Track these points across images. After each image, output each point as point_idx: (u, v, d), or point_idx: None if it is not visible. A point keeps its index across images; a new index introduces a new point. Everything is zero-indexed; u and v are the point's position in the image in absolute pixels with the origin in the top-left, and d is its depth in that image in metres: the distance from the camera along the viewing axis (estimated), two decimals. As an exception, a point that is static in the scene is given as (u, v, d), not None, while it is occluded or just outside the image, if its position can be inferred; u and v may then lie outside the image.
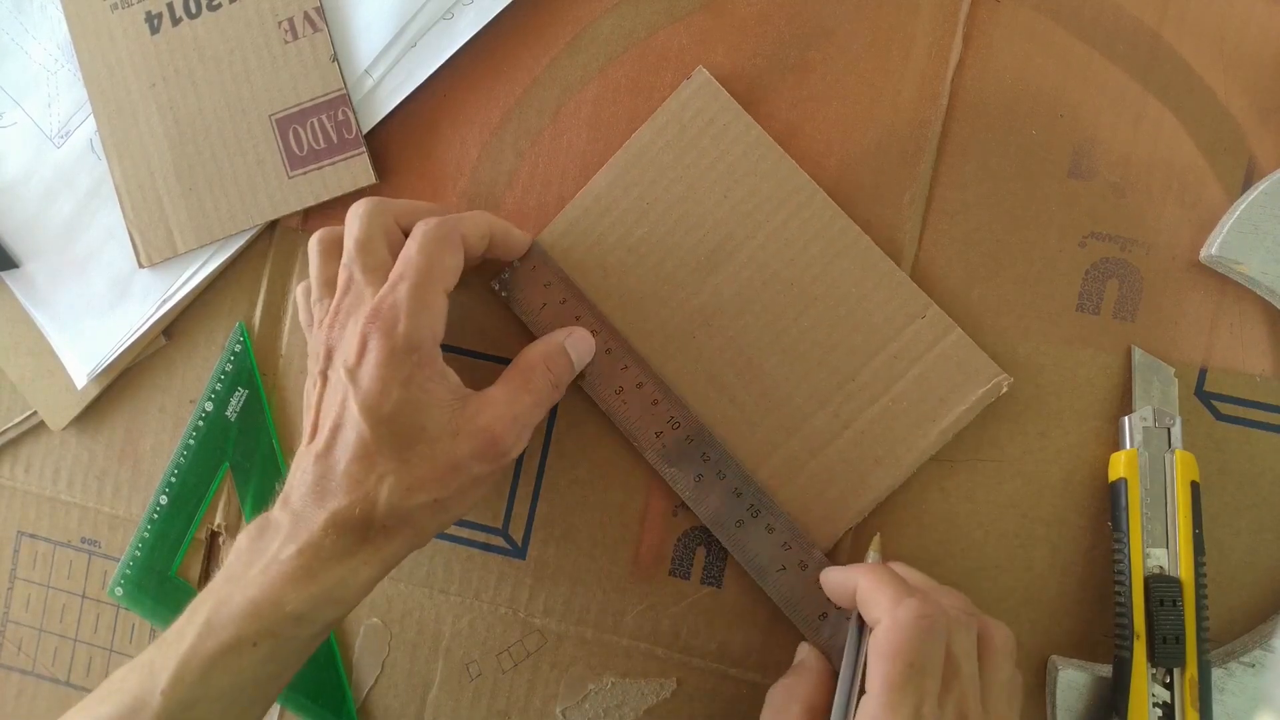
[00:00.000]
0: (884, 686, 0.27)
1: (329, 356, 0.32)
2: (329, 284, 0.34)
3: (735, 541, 0.35)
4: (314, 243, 0.34)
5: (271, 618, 0.29)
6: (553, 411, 0.38)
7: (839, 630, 0.34)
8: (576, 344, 0.35)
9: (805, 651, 0.34)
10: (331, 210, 0.39)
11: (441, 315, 0.31)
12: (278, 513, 0.31)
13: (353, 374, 0.30)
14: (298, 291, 0.36)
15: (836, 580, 0.32)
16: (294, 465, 0.32)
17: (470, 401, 0.32)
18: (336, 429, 0.31)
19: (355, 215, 0.33)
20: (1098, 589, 0.35)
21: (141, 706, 0.29)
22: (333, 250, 0.34)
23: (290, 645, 0.30)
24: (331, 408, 0.31)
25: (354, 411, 0.30)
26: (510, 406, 0.32)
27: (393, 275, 0.31)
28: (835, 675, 0.31)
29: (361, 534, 0.30)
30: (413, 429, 0.30)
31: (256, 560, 0.30)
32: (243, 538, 0.31)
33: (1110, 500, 0.34)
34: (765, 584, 0.35)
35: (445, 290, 0.32)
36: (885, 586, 0.29)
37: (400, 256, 0.32)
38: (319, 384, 0.32)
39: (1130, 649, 0.32)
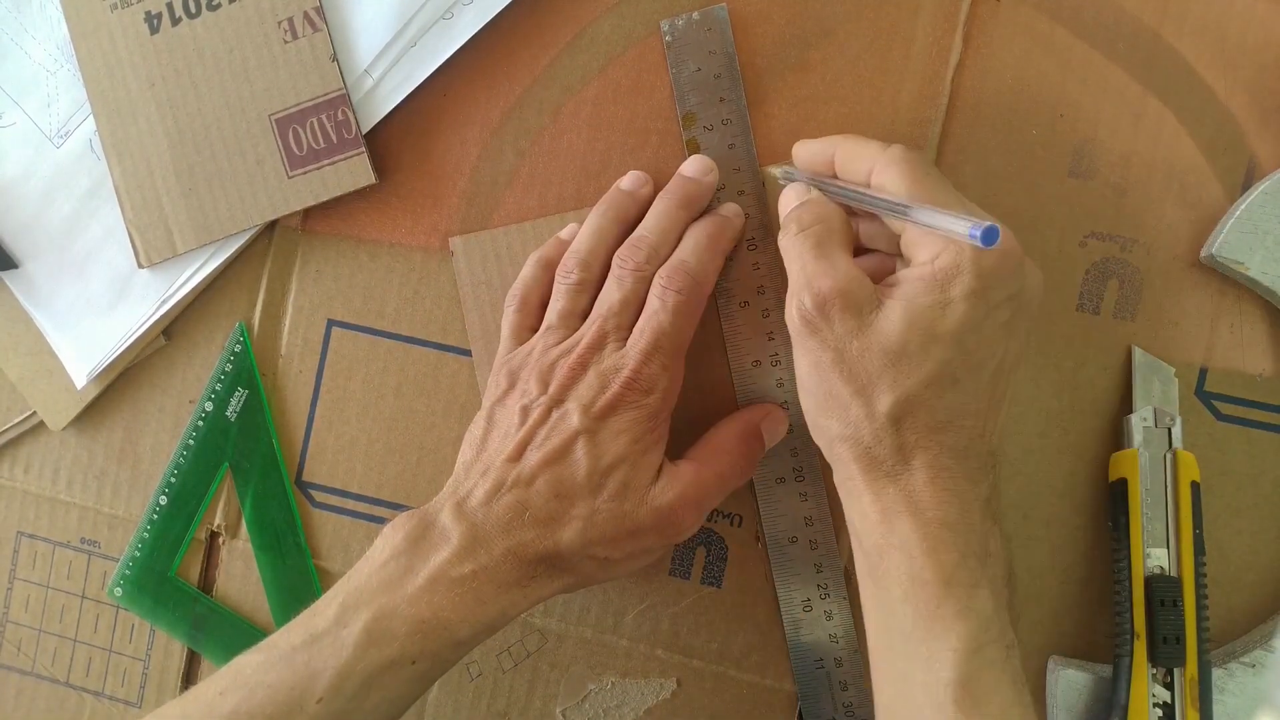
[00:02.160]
0: (931, 194, 0.28)
1: (561, 394, 0.32)
2: (577, 317, 0.34)
3: (766, 494, 0.36)
4: (572, 272, 0.34)
5: (438, 641, 0.29)
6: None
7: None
8: (772, 426, 0.35)
9: (804, 192, 0.32)
10: (332, 210, 0.39)
11: (681, 384, 0.32)
12: (448, 519, 0.31)
13: (594, 423, 0.31)
14: (513, 295, 0.35)
15: (811, 150, 0.33)
16: (478, 471, 0.32)
17: (664, 474, 0.32)
18: (550, 464, 0.31)
19: (631, 270, 0.33)
20: (1098, 589, 0.35)
21: (297, 710, 0.28)
22: (588, 287, 0.34)
23: (445, 666, 0.30)
24: (552, 443, 0.31)
25: (578, 456, 0.30)
26: (698, 489, 0.32)
27: (646, 346, 0.31)
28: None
29: (535, 569, 0.30)
30: (617, 486, 0.31)
31: (419, 569, 0.30)
32: (398, 536, 0.31)
33: (1110, 500, 0.34)
34: (773, 550, 0.35)
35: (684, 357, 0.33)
36: (868, 142, 0.31)
37: (652, 328, 0.32)
38: (538, 415, 0.32)
39: (1130, 649, 0.32)
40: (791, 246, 0.30)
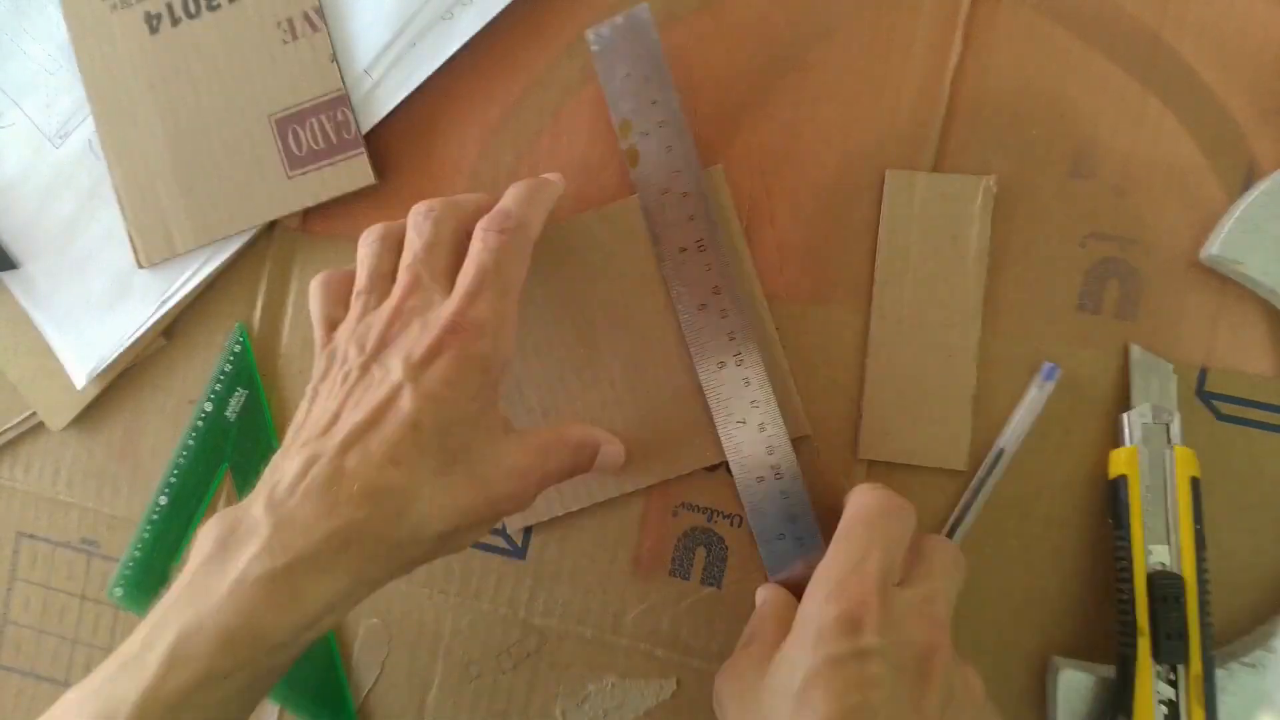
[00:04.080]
0: (838, 534, 0.30)
1: (379, 350, 0.29)
2: (385, 277, 0.31)
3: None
4: (371, 237, 0.32)
5: (251, 649, 0.25)
6: (553, 412, 0.38)
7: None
8: (608, 455, 0.34)
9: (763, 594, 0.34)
10: (332, 210, 0.39)
11: (515, 331, 0.30)
12: (257, 512, 0.27)
13: (416, 370, 0.27)
14: (316, 284, 0.33)
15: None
16: (282, 458, 0.28)
17: (512, 436, 0.30)
18: (372, 424, 0.27)
19: (424, 216, 0.31)
20: (1098, 588, 0.35)
21: None
22: (390, 245, 0.32)
23: (267, 675, 0.27)
24: (368, 400, 0.27)
25: (405, 410, 0.27)
26: (543, 460, 0.30)
27: (469, 285, 0.29)
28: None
29: (371, 549, 0.26)
30: (460, 446, 0.28)
31: (226, 572, 0.26)
32: (206, 541, 0.27)
33: (1110, 498, 0.34)
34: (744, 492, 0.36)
35: (516, 302, 0.30)
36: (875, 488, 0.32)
37: (475, 266, 0.29)
38: (355, 375, 0.28)
39: (1134, 646, 0.32)
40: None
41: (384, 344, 0.29)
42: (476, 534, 0.30)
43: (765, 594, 0.34)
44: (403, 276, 0.30)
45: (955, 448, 0.35)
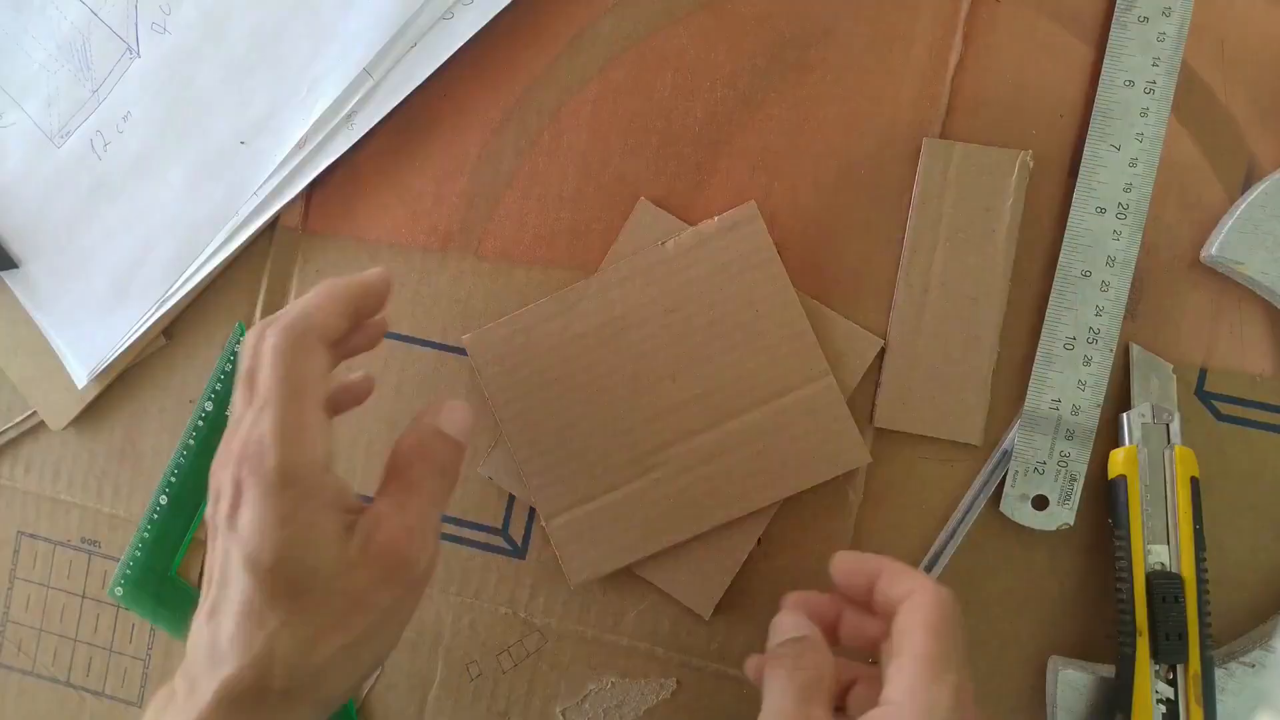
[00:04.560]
0: (925, 654, 0.26)
1: (215, 503, 0.28)
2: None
3: None
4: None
5: None
6: (553, 411, 0.38)
7: None
8: (452, 419, 0.30)
9: (806, 627, 0.30)
10: (332, 210, 0.39)
11: (320, 433, 0.27)
12: (178, 680, 0.27)
13: (230, 522, 0.26)
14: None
15: (851, 565, 0.30)
16: (192, 627, 0.28)
17: (360, 525, 0.27)
18: (222, 586, 0.27)
19: (245, 343, 0.29)
20: (1098, 588, 0.35)
21: None
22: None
23: None
24: (215, 562, 0.27)
25: (236, 565, 0.26)
26: (402, 517, 0.28)
27: (255, 404, 0.27)
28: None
29: (257, 704, 0.26)
30: (302, 574, 0.26)
31: None
32: (149, 712, 0.28)
33: (1110, 497, 0.34)
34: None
35: (317, 402, 0.27)
36: (912, 570, 0.29)
37: (259, 378, 0.27)
38: (212, 534, 0.28)
39: (1133, 646, 0.32)
40: (776, 681, 0.28)
41: (217, 493, 0.28)
42: (381, 637, 0.28)
43: (806, 634, 0.30)
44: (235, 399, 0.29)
45: (971, 422, 0.35)
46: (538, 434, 0.36)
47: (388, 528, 0.27)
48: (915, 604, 0.27)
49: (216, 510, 0.27)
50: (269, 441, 0.26)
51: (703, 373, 0.35)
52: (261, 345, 0.27)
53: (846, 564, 0.31)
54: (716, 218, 0.36)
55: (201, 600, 0.28)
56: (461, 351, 0.38)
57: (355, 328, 0.30)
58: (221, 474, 0.27)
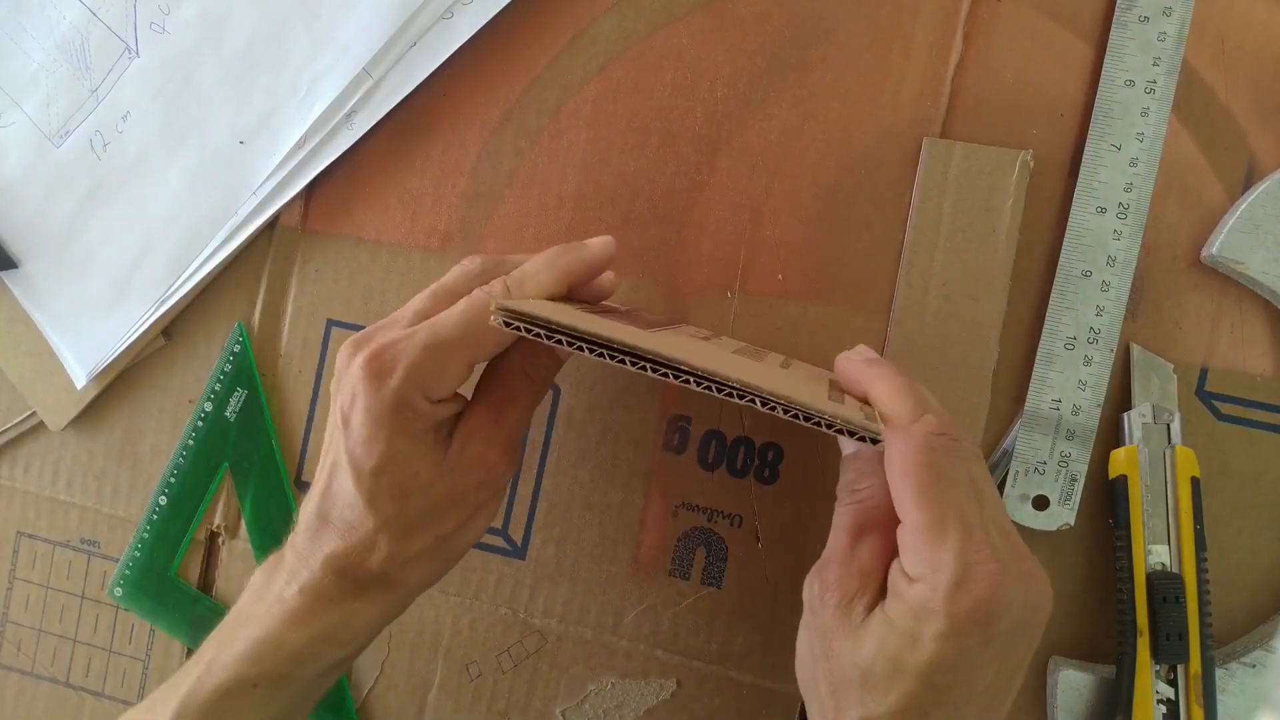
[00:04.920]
0: (920, 525, 0.25)
1: (336, 380, 0.29)
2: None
3: None
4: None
5: (272, 659, 0.28)
6: (552, 412, 0.38)
7: None
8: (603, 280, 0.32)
9: (852, 442, 0.27)
10: (332, 210, 0.39)
11: (450, 381, 0.28)
12: (286, 549, 0.30)
13: (346, 420, 0.28)
14: None
15: (846, 375, 0.29)
16: (306, 498, 0.31)
17: (459, 431, 0.30)
18: (332, 473, 0.29)
19: (459, 266, 0.31)
20: (1098, 589, 0.35)
21: None
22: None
23: (293, 686, 0.29)
24: (330, 448, 0.29)
25: (342, 461, 0.28)
26: (500, 428, 0.30)
27: (422, 324, 0.28)
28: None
29: (358, 580, 0.29)
30: (405, 478, 0.28)
31: (264, 598, 0.30)
32: (257, 574, 0.31)
33: (1110, 497, 0.34)
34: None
35: (471, 361, 0.29)
36: (905, 395, 0.27)
37: (412, 310, 0.29)
38: (330, 421, 0.30)
39: (1134, 646, 0.32)
40: (836, 514, 0.29)
41: (338, 378, 0.29)
42: (468, 530, 0.30)
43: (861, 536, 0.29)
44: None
45: (971, 421, 0.35)
46: None
47: (482, 438, 0.30)
48: (896, 459, 0.26)
49: (337, 395, 0.29)
50: (403, 363, 0.27)
51: None
52: (475, 295, 0.29)
53: (843, 373, 0.30)
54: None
55: (318, 473, 0.30)
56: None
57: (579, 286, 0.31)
58: (351, 360, 0.28)
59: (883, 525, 0.28)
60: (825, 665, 0.27)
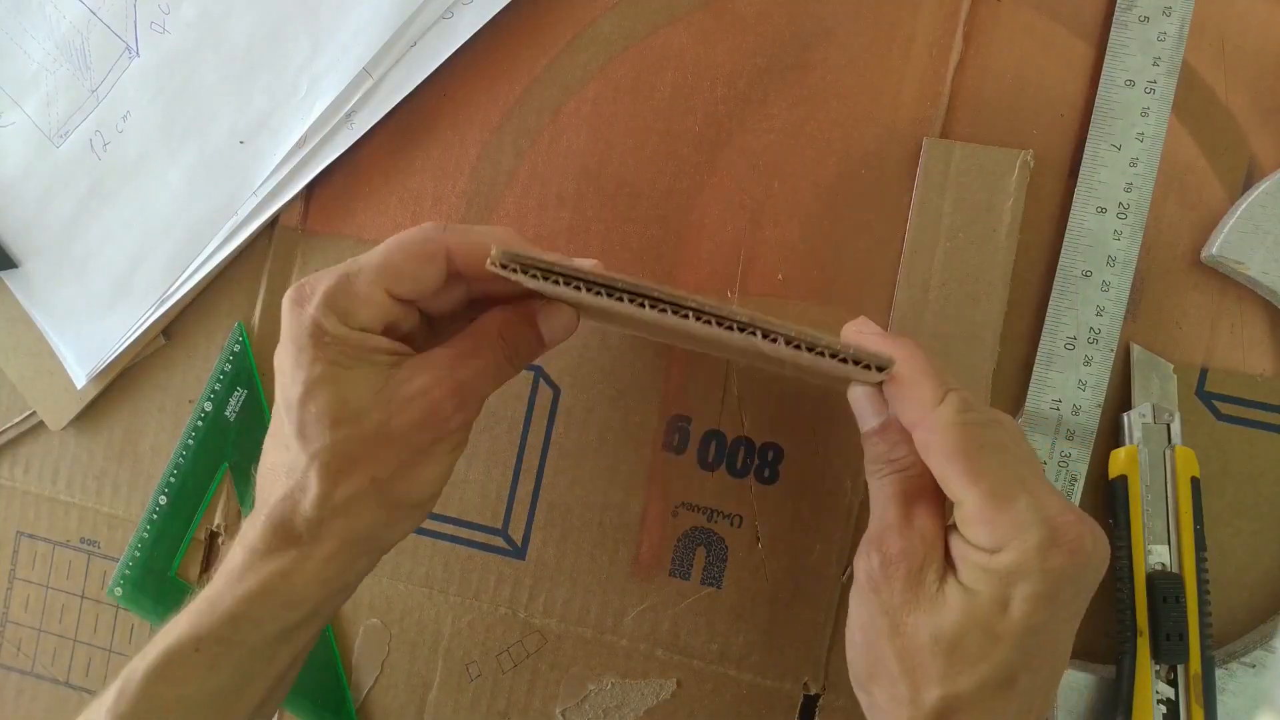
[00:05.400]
0: (973, 478, 0.24)
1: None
2: None
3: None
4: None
5: (209, 619, 0.28)
6: (552, 412, 0.38)
7: None
8: (551, 320, 0.30)
9: (881, 410, 0.28)
10: (331, 210, 0.39)
11: (368, 308, 0.28)
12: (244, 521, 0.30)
13: (277, 359, 0.29)
14: None
15: (867, 350, 0.27)
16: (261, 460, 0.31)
17: (405, 365, 0.29)
18: (275, 425, 0.29)
19: (391, 239, 0.30)
20: (1098, 588, 0.35)
21: None
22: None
23: (236, 652, 0.28)
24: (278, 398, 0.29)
25: (279, 400, 0.28)
26: (453, 371, 0.28)
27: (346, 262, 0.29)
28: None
29: (291, 530, 0.28)
30: (333, 405, 0.27)
31: (218, 567, 0.29)
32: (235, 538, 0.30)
33: (1110, 498, 0.34)
34: None
35: (389, 290, 0.28)
36: (927, 377, 0.26)
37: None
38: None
39: (1133, 646, 0.32)
40: (877, 487, 0.28)
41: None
42: (409, 478, 0.28)
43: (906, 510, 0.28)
44: None
45: None
46: None
47: (430, 375, 0.28)
48: (935, 445, 0.26)
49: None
50: (319, 290, 0.28)
51: None
52: (397, 235, 0.29)
53: (857, 346, 0.28)
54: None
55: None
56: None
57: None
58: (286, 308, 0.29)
59: (931, 490, 0.27)
60: (897, 643, 0.26)
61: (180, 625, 0.28)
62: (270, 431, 0.29)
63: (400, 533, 0.30)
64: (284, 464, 0.28)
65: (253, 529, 0.28)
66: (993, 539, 0.25)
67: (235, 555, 0.28)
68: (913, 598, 0.26)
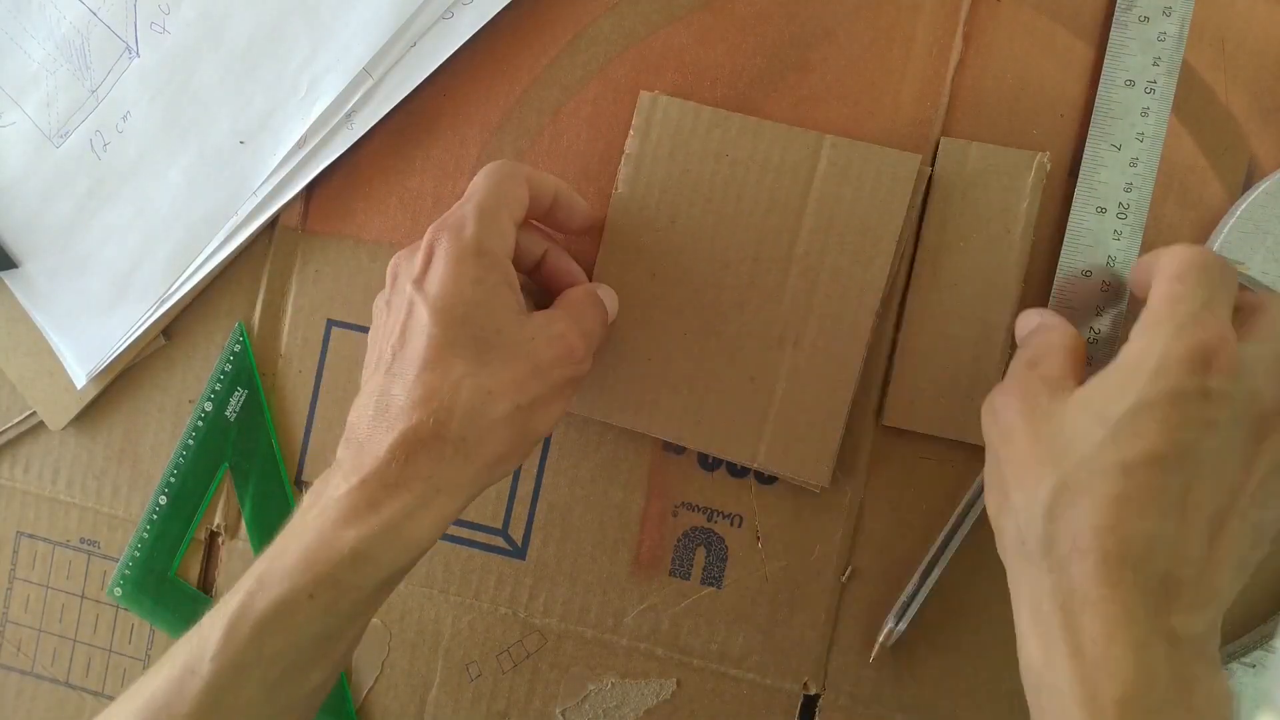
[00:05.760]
0: (1171, 276, 0.26)
1: (393, 283, 0.31)
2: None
3: None
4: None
5: (327, 563, 0.26)
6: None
7: None
8: (608, 295, 0.35)
9: (1038, 315, 0.31)
10: (332, 210, 0.39)
11: (509, 236, 0.30)
12: (340, 451, 0.29)
13: (420, 283, 0.29)
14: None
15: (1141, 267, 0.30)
16: (351, 410, 0.30)
17: (544, 312, 0.31)
18: (401, 343, 0.29)
19: (484, 174, 0.32)
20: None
21: (190, 675, 0.26)
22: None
23: (352, 595, 0.27)
24: (395, 325, 0.29)
25: (422, 317, 0.28)
26: (579, 323, 0.31)
27: (462, 201, 0.31)
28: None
29: (436, 452, 0.27)
30: (488, 330, 0.29)
31: (315, 504, 0.28)
32: (306, 497, 0.29)
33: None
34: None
35: (512, 218, 0.31)
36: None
37: (469, 187, 0.31)
38: (384, 310, 0.31)
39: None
40: (1013, 361, 0.30)
41: (396, 273, 0.31)
42: (544, 412, 0.30)
43: (1044, 319, 0.31)
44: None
45: (979, 422, 0.35)
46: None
47: (565, 320, 0.31)
48: (1158, 262, 0.27)
49: (396, 286, 0.31)
50: (470, 217, 0.30)
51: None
52: (486, 167, 0.31)
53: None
54: (886, 149, 0.35)
55: (367, 381, 0.30)
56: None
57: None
58: (405, 257, 0.31)
59: (1076, 368, 0.29)
60: (1043, 427, 0.27)
61: (290, 571, 0.26)
62: (389, 357, 0.29)
63: (507, 469, 0.30)
64: (425, 385, 0.28)
65: (372, 459, 0.27)
66: (1170, 291, 0.26)
67: (345, 491, 0.27)
68: (1071, 377, 0.28)
